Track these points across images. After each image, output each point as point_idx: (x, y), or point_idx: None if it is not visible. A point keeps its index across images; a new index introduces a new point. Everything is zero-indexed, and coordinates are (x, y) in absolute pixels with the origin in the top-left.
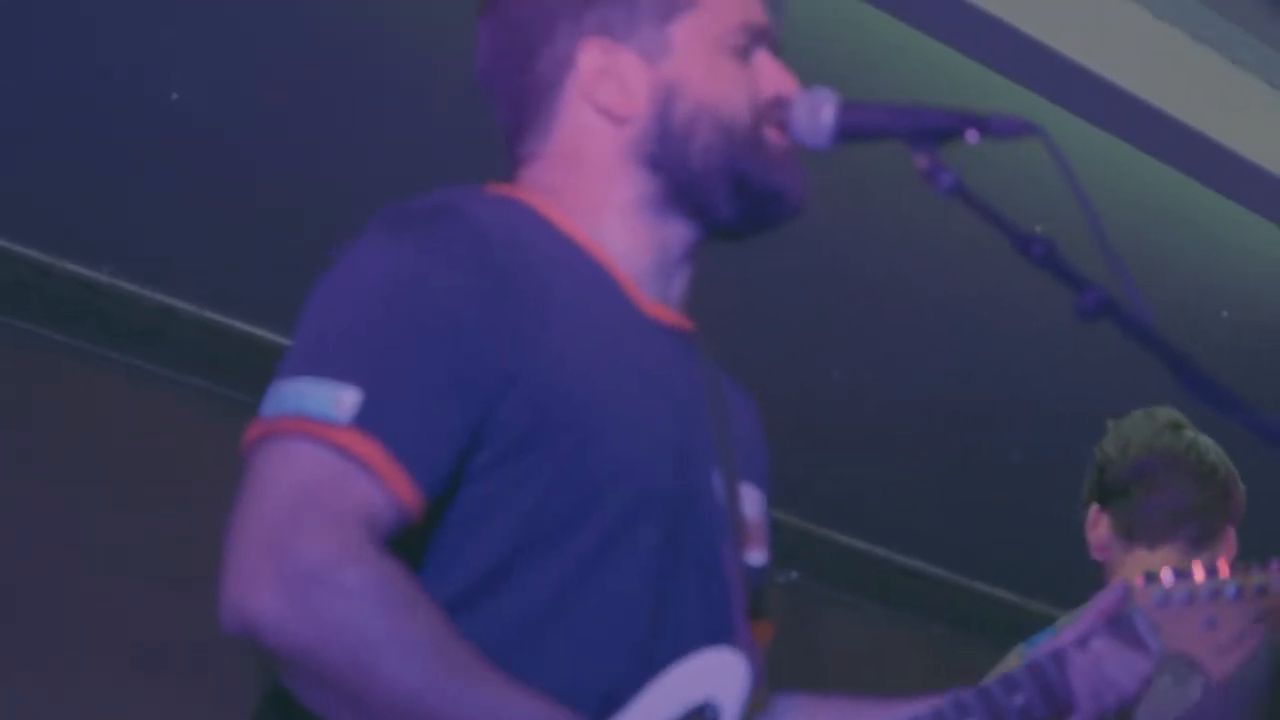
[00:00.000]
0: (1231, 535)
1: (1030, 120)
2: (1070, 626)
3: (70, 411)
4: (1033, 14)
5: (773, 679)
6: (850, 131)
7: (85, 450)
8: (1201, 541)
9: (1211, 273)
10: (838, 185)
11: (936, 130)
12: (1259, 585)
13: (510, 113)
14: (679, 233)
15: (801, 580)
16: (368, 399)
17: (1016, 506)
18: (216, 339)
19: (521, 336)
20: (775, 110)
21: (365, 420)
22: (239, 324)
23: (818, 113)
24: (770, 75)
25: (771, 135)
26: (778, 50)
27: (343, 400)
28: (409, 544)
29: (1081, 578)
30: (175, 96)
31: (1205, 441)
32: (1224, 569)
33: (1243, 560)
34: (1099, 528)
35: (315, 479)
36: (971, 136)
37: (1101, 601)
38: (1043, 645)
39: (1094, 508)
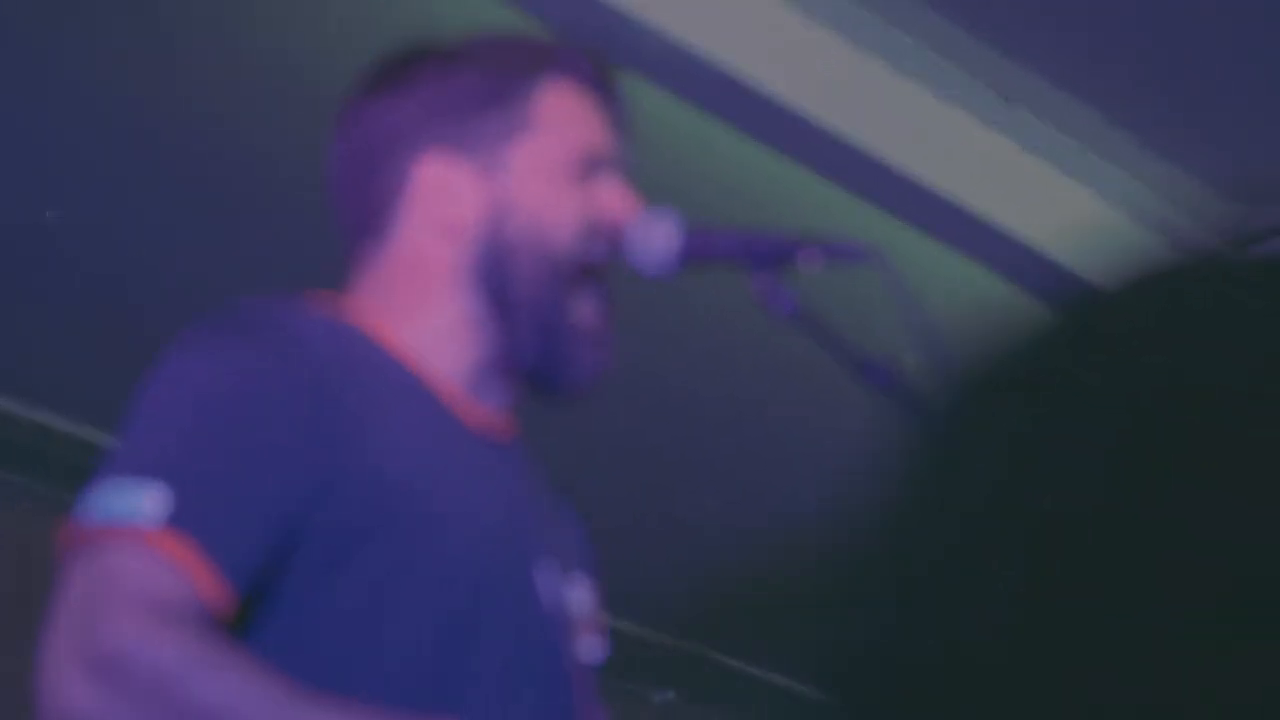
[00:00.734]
0: None
1: (868, 243)
2: None
3: None
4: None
5: None
6: (691, 257)
7: None
8: None
9: None
10: (683, 312)
11: (776, 255)
12: None
13: (351, 224)
14: (499, 352)
15: (678, 700)
16: (177, 496)
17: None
18: (93, 455)
19: (339, 441)
20: (609, 234)
21: (170, 517)
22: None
23: (658, 237)
24: (610, 200)
25: (583, 306)
26: (622, 170)
27: (149, 498)
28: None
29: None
30: (49, 214)
31: None
32: None
33: None
34: None
35: (120, 573)
36: (813, 261)
37: None
38: None
39: None
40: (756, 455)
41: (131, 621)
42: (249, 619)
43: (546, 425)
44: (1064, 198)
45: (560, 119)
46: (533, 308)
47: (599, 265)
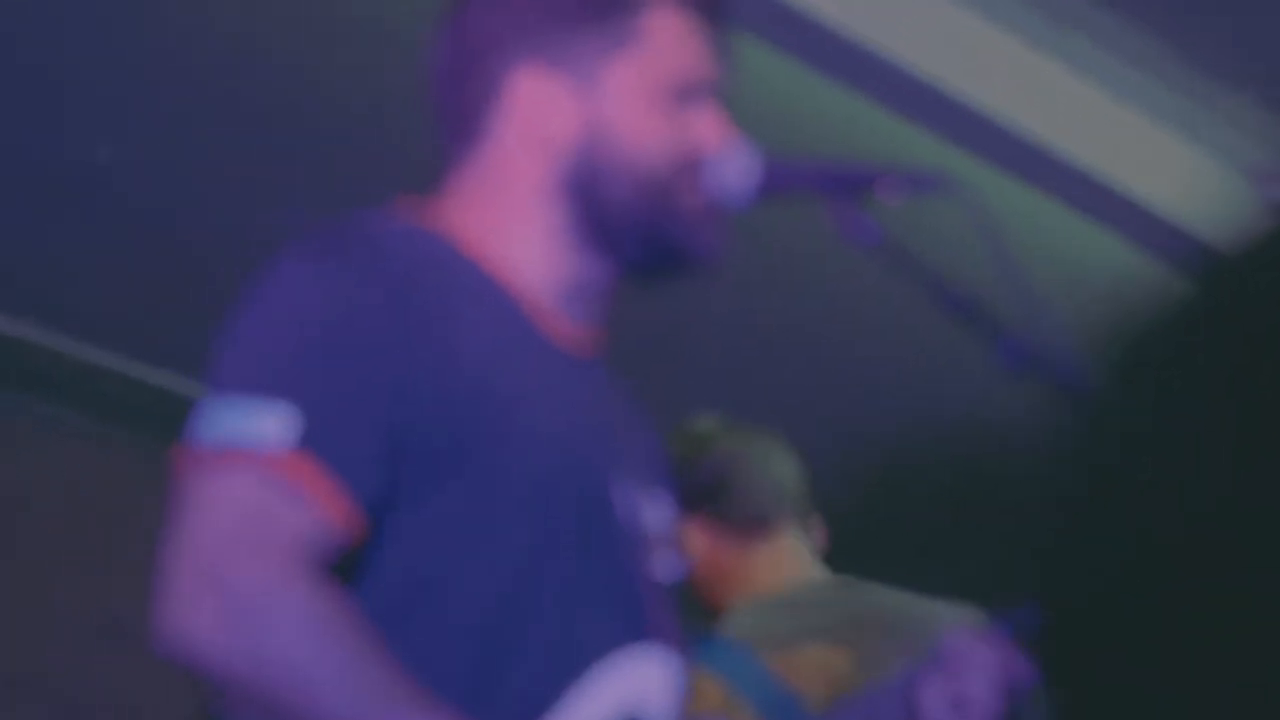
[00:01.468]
0: (817, 517)
1: (950, 175)
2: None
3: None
4: (952, 68)
5: None
6: (772, 188)
7: (10, 501)
8: (808, 519)
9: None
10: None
11: (857, 185)
12: None
13: (447, 132)
14: (591, 266)
15: None
16: (302, 420)
17: None
18: (139, 391)
19: (423, 359)
20: (697, 165)
21: (300, 441)
22: (161, 376)
23: (739, 167)
24: (706, 127)
25: (689, 197)
26: (718, 99)
27: (276, 422)
28: (340, 563)
29: None
30: (104, 150)
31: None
32: None
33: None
34: (696, 541)
35: (250, 507)
36: (893, 192)
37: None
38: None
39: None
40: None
41: (265, 567)
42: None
43: (637, 352)
44: (1176, 158)
45: (663, 41)
46: (633, 220)
47: (690, 190)
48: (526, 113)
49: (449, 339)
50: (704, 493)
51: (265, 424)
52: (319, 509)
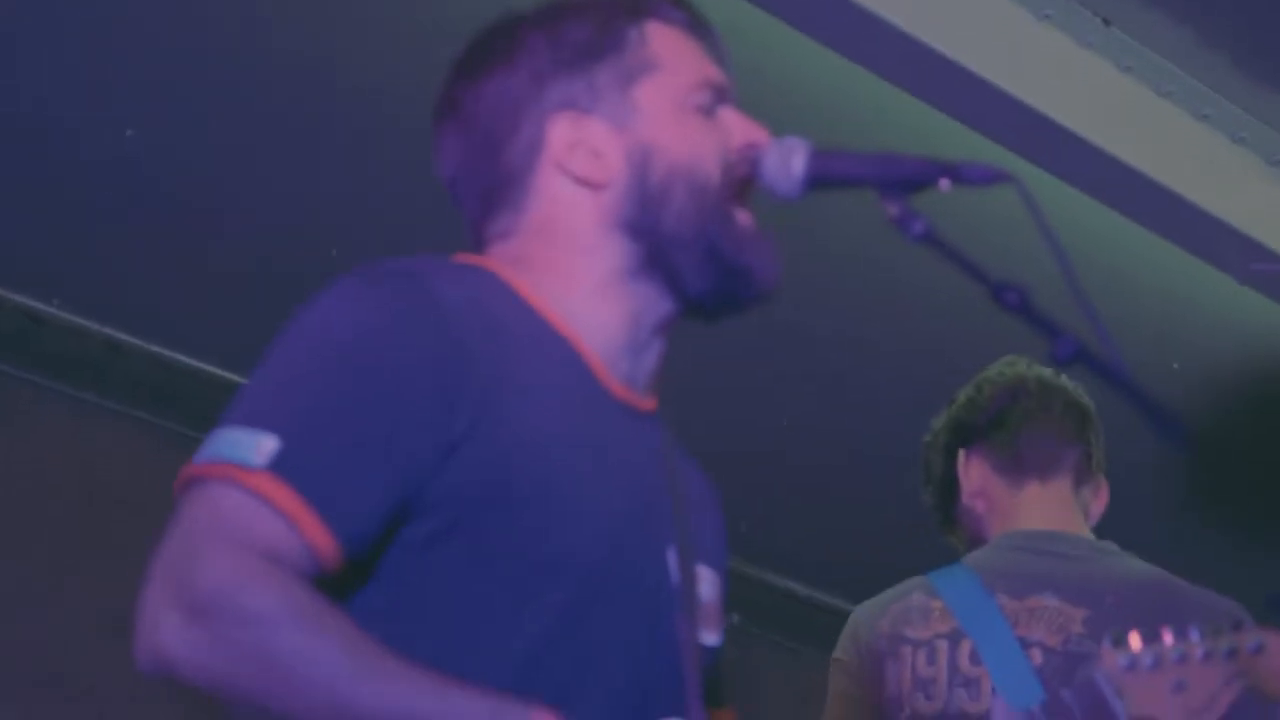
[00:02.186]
0: (1104, 482)
1: (1002, 168)
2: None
3: (12, 443)
4: (1000, 67)
5: None
6: (821, 179)
7: (28, 481)
8: (1085, 475)
9: (1164, 324)
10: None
11: (908, 178)
12: (1228, 648)
13: (479, 204)
14: (652, 304)
15: (741, 624)
16: (284, 445)
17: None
18: (161, 372)
19: (471, 406)
20: (747, 157)
21: (277, 465)
22: (183, 358)
23: (789, 160)
24: (739, 127)
25: (741, 215)
26: (735, 103)
27: (261, 446)
28: (350, 610)
29: None
30: (129, 133)
31: (1066, 376)
32: (1193, 634)
33: (1214, 622)
34: (972, 472)
35: (219, 513)
36: (944, 185)
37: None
38: (950, 582)
39: (962, 454)
40: (838, 385)
41: (229, 562)
42: (351, 588)
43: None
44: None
45: (674, 56)
46: (695, 238)
47: (743, 186)
48: (572, 158)
49: (501, 384)
50: (986, 426)
51: (251, 447)
52: (289, 524)
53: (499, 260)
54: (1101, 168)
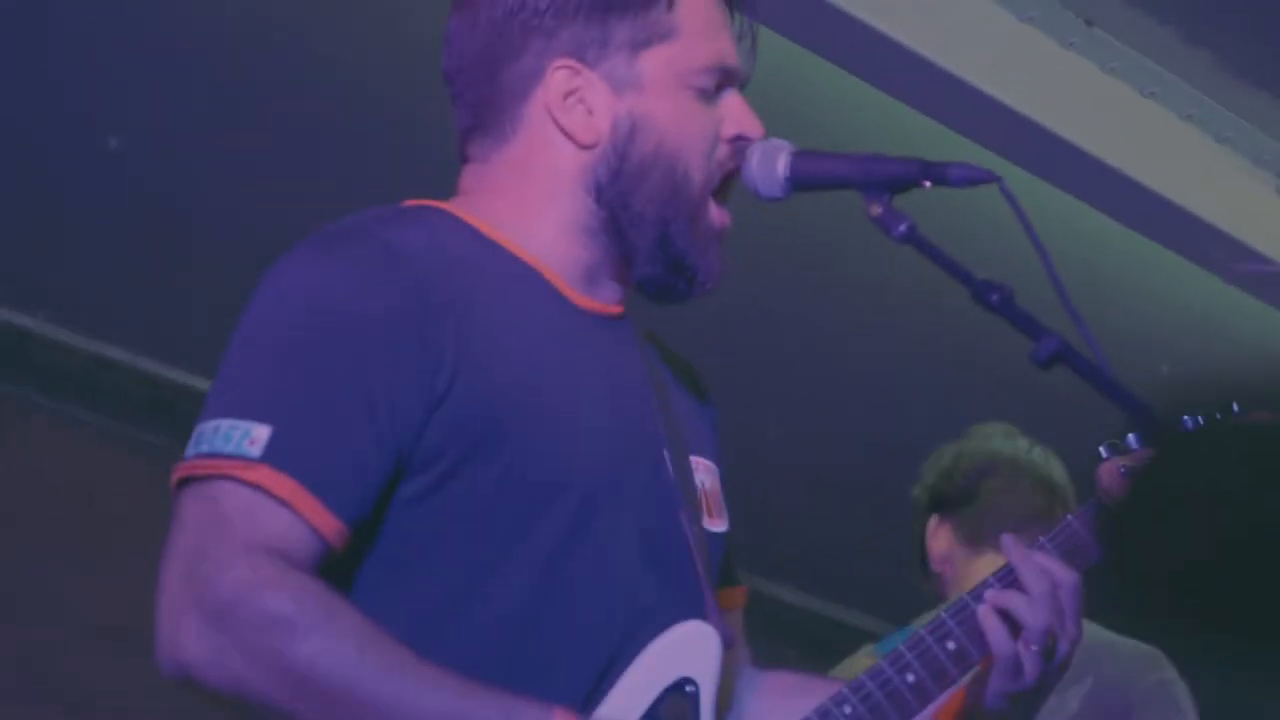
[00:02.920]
0: None
1: (986, 169)
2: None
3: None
4: (983, 69)
5: None
6: (804, 180)
7: (15, 496)
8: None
9: (1148, 323)
10: (775, 236)
11: (891, 179)
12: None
13: (469, 114)
14: (608, 257)
15: None
16: (276, 433)
17: None
18: (148, 386)
19: (445, 354)
20: (734, 151)
21: (274, 455)
22: (170, 371)
23: (772, 161)
24: (736, 116)
25: (714, 212)
26: (743, 86)
27: (254, 436)
28: (361, 573)
29: None
30: (114, 143)
31: (1041, 449)
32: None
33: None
34: (939, 539)
35: (224, 514)
36: (927, 185)
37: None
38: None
39: (933, 519)
40: (835, 382)
41: (244, 565)
42: (357, 550)
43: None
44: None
45: (698, 28)
46: (654, 223)
47: (725, 180)
48: (564, 108)
49: (469, 326)
50: (956, 499)
51: (243, 438)
52: (295, 514)
53: (471, 194)
54: (1086, 169)
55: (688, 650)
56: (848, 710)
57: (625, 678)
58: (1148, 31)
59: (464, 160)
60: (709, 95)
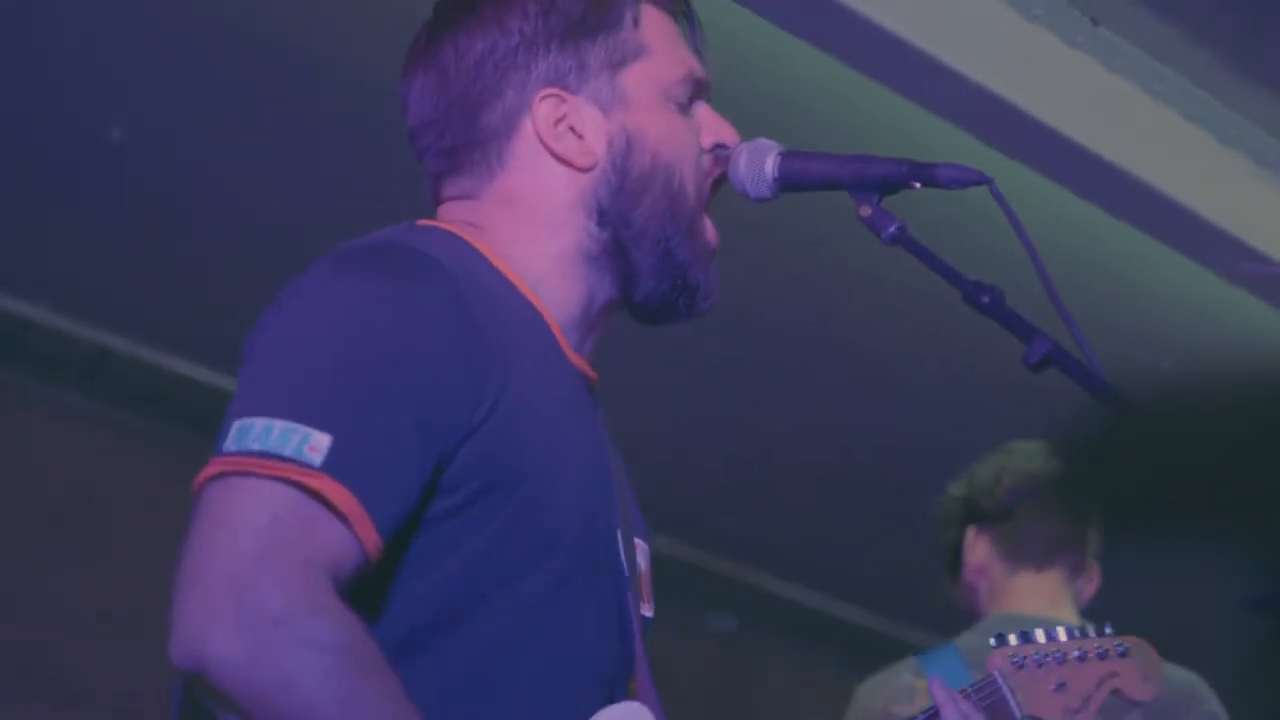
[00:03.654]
0: (1096, 570)
1: (977, 171)
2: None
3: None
4: (988, 67)
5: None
6: (792, 181)
7: (14, 484)
8: (1079, 566)
9: (1152, 322)
10: (772, 236)
11: (881, 180)
12: (1099, 650)
13: (443, 161)
14: (604, 289)
15: (737, 627)
16: (337, 443)
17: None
18: (149, 377)
19: (488, 384)
20: (718, 159)
21: (334, 465)
22: (172, 361)
23: (761, 160)
24: (711, 126)
25: (708, 229)
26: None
27: (314, 443)
28: (360, 584)
29: None
30: (116, 134)
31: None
32: (1062, 634)
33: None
34: (977, 550)
35: (284, 520)
36: (916, 186)
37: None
38: (937, 661)
39: (971, 530)
40: (834, 381)
41: (297, 584)
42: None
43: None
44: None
45: (664, 45)
46: (656, 238)
47: (712, 190)
48: (553, 136)
49: (507, 363)
50: (996, 515)
51: (303, 444)
52: (350, 530)
53: (456, 223)
54: (1090, 168)
55: None
56: None
57: None
58: (1154, 31)
59: (437, 202)
60: (685, 108)
